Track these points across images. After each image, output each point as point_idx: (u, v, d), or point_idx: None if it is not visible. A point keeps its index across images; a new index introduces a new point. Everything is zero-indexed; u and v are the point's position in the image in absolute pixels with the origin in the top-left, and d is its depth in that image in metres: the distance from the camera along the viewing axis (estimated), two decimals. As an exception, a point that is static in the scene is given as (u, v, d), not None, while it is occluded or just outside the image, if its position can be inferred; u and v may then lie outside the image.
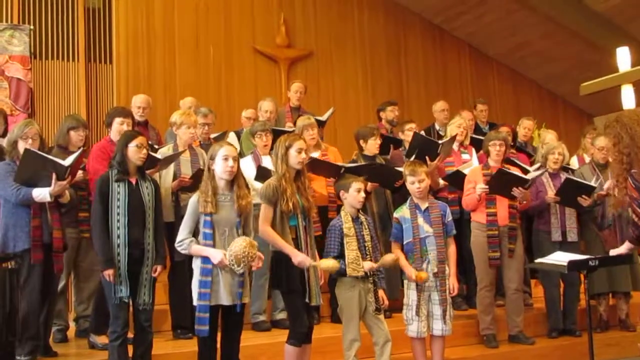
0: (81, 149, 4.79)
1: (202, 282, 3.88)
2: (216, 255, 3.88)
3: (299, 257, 4.01)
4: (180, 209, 4.96)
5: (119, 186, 4.14)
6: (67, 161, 4.40)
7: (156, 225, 4.26)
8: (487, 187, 5.28)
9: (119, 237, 4.09)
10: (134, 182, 4.23)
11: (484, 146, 5.54)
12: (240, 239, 3.90)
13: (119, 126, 5.08)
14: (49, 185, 4.31)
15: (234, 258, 3.83)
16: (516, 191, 5.24)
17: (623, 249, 4.09)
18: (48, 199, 4.33)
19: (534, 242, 5.76)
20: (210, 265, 3.89)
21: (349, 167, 5.47)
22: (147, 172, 4.46)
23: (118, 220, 4.10)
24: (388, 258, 4.41)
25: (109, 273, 4.05)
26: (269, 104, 6.69)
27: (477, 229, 5.39)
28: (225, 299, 3.90)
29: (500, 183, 5.27)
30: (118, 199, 4.12)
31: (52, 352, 4.66)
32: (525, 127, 7.11)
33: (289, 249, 4.02)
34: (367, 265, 4.32)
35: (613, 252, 4.17)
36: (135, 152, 4.21)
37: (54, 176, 4.29)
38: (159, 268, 4.26)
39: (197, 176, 4.92)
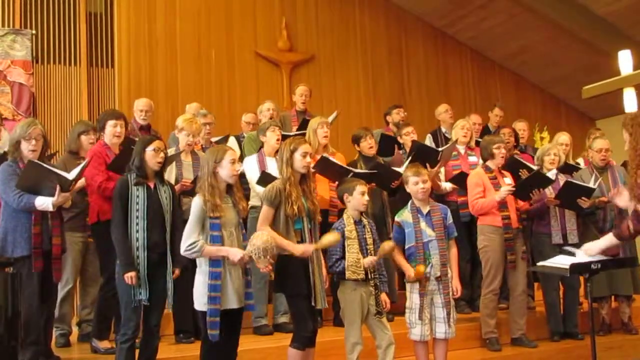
0: (86, 160, 4.74)
1: (212, 286, 3.85)
2: (236, 252, 3.86)
3: (300, 249, 4.01)
4: (182, 212, 4.96)
5: (137, 190, 4.12)
6: (72, 174, 4.37)
7: (174, 228, 4.25)
8: (514, 188, 5.33)
9: (137, 240, 4.06)
10: (152, 186, 4.21)
11: (487, 149, 5.53)
12: (260, 232, 3.90)
13: (112, 129, 5.03)
14: (51, 194, 4.28)
15: (262, 250, 3.79)
16: (536, 194, 5.33)
17: (601, 244, 3.93)
18: (50, 209, 4.30)
19: (534, 245, 5.74)
20: (219, 268, 3.87)
21: (358, 172, 5.45)
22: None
23: (137, 224, 4.07)
24: (386, 246, 4.38)
25: (130, 275, 4.00)
26: (269, 103, 6.76)
27: (491, 233, 5.39)
28: (233, 303, 3.90)
29: (527, 186, 5.35)
30: (137, 203, 4.09)
31: (54, 357, 4.64)
32: (519, 129, 7.14)
33: (288, 244, 4.02)
34: (368, 261, 4.31)
35: (587, 246, 4.02)
36: (152, 156, 4.18)
37: (57, 188, 4.26)
38: (177, 271, 4.24)
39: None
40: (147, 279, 4.07)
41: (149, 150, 4.18)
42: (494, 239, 5.37)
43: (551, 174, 5.59)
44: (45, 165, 4.38)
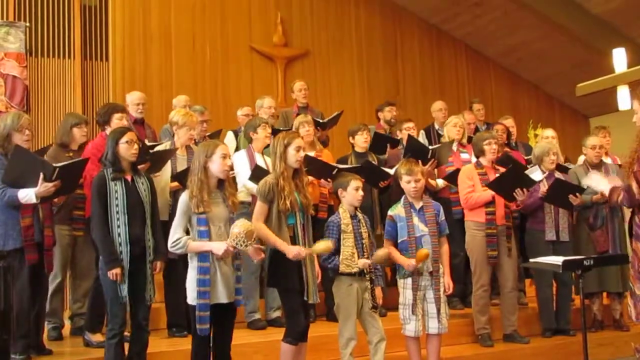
0: (80, 158, 4.66)
1: (200, 281, 3.83)
2: (219, 246, 3.82)
3: (293, 251, 3.99)
4: (176, 208, 4.94)
5: (115, 184, 4.06)
6: (60, 163, 4.32)
7: (154, 221, 4.21)
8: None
9: (119, 235, 4.01)
10: (129, 179, 4.16)
11: (478, 145, 5.53)
12: (238, 220, 3.85)
13: (118, 122, 5.01)
14: (36, 186, 4.22)
15: (243, 235, 3.74)
16: (519, 193, 5.27)
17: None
18: (34, 200, 4.23)
19: (527, 242, 5.75)
20: (207, 263, 3.85)
21: (343, 168, 5.46)
22: (139, 167, 4.36)
23: (118, 219, 4.02)
24: (380, 252, 4.39)
25: (115, 272, 3.97)
26: (270, 99, 6.77)
27: (474, 229, 5.40)
28: (223, 297, 3.88)
29: (506, 184, 5.29)
30: (116, 198, 4.04)
31: (46, 351, 4.63)
32: (508, 126, 7.10)
33: (282, 245, 4.01)
34: (362, 262, 4.33)
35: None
36: (126, 149, 4.12)
37: (41, 176, 4.19)
38: (159, 264, 4.21)
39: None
40: (129, 274, 4.03)
41: (122, 142, 4.12)
42: (475, 234, 5.38)
43: (538, 174, 5.56)
44: (30, 152, 4.38)
